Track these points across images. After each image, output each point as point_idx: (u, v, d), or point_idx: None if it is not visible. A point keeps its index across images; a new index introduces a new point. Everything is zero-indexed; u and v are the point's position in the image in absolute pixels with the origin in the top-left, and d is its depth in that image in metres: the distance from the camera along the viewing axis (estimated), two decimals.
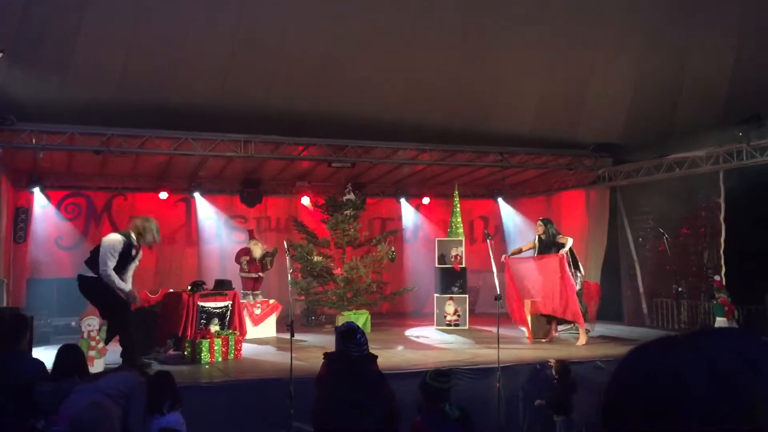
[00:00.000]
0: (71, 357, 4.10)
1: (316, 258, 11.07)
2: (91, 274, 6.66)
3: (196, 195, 12.71)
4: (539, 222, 9.57)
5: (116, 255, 6.63)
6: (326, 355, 3.96)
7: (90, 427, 3.47)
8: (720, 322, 8.88)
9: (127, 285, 6.80)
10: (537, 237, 9.45)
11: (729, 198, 9.59)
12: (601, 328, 10.10)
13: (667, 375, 0.79)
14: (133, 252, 6.91)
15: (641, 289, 11.26)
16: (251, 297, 10.57)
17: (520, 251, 9.70)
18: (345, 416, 3.46)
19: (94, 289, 6.70)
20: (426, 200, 14.36)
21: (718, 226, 9.74)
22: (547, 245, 9.23)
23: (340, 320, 10.03)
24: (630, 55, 9.16)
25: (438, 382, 3.88)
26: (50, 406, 3.53)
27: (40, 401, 3.69)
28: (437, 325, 11.10)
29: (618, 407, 0.81)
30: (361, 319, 10.00)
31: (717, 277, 9.40)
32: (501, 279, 7.23)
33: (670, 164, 10.29)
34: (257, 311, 10.19)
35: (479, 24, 8.66)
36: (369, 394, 3.55)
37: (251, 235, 11.94)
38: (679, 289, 9.14)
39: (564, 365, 6.28)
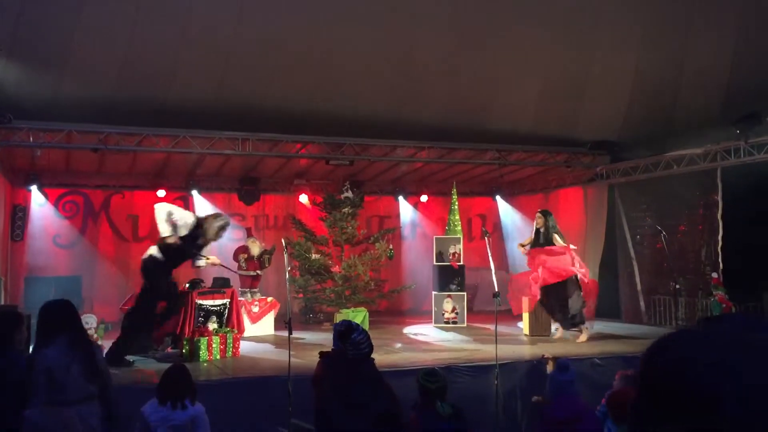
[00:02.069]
0: None
1: (314, 256, 11.07)
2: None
3: (194, 193, 12.70)
4: (538, 214, 9.48)
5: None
6: (321, 354, 3.96)
7: None
8: None
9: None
10: (535, 230, 9.38)
11: (727, 195, 9.59)
12: (599, 325, 10.11)
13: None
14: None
15: (639, 287, 11.27)
16: (249, 295, 10.57)
17: (522, 246, 9.61)
18: (345, 416, 3.45)
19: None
20: (424, 198, 14.37)
21: (715, 224, 9.74)
22: (545, 239, 9.16)
23: (339, 318, 10.03)
24: (628, 52, 9.16)
25: (427, 382, 3.93)
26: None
27: None
28: (435, 322, 11.10)
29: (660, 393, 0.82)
30: (359, 316, 10.01)
31: (714, 275, 9.41)
32: (499, 276, 7.23)
33: (668, 162, 10.31)
34: (255, 309, 10.18)
35: (477, 22, 8.65)
36: (368, 394, 3.54)
37: (249, 233, 11.94)
38: (677, 286, 9.16)
39: (562, 362, 6.29)
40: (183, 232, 7.34)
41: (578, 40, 8.97)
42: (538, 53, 9.11)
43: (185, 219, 7.45)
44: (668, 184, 10.49)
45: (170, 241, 7.27)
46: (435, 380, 3.95)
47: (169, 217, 7.31)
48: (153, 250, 7.47)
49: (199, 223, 7.55)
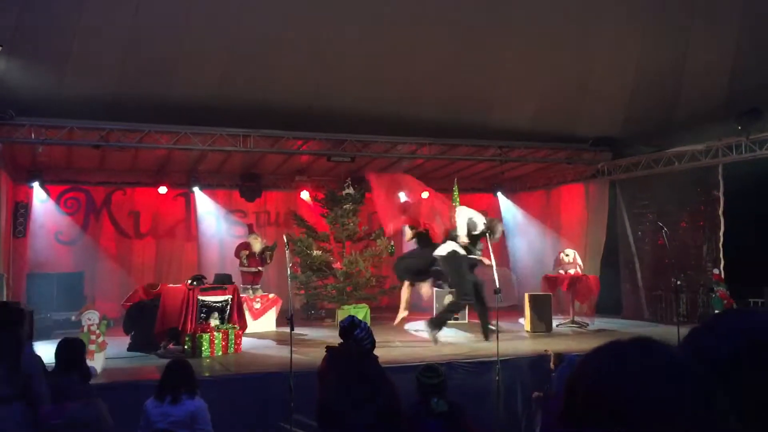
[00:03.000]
0: (72, 350, 4.10)
1: (315, 252, 11.09)
2: None
3: (196, 189, 12.71)
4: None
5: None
6: (327, 349, 3.98)
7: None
8: None
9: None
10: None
11: (728, 192, 9.59)
12: (600, 322, 10.14)
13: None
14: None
15: (640, 283, 11.28)
16: (251, 291, 10.59)
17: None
18: (345, 411, 3.47)
19: None
20: (425, 194, 14.33)
21: (717, 220, 9.75)
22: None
23: (340, 314, 10.06)
24: (629, 48, 9.14)
25: (426, 378, 3.92)
26: (51, 400, 3.54)
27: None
28: None
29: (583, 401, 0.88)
30: (361, 313, 10.02)
31: (716, 271, 9.42)
32: (500, 273, 7.24)
33: (670, 158, 10.30)
34: (257, 305, 10.20)
35: (478, 18, 8.64)
36: (369, 389, 3.56)
37: (251, 230, 11.96)
38: (678, 282, 9.15)
39: (562, 357, 6.29)
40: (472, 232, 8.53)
41: (580, 36, 8.95)
42: (539, 49, 9.09)
43: (478, 226, 8.62)
44: (670, 181, 10.49)
45: (462, 242, 8.35)
46: (433, 376, 3.95)
47: (468, 221, 8.50)
48: (454, 246, 8.52)
49: (488, 227, 8.64)
